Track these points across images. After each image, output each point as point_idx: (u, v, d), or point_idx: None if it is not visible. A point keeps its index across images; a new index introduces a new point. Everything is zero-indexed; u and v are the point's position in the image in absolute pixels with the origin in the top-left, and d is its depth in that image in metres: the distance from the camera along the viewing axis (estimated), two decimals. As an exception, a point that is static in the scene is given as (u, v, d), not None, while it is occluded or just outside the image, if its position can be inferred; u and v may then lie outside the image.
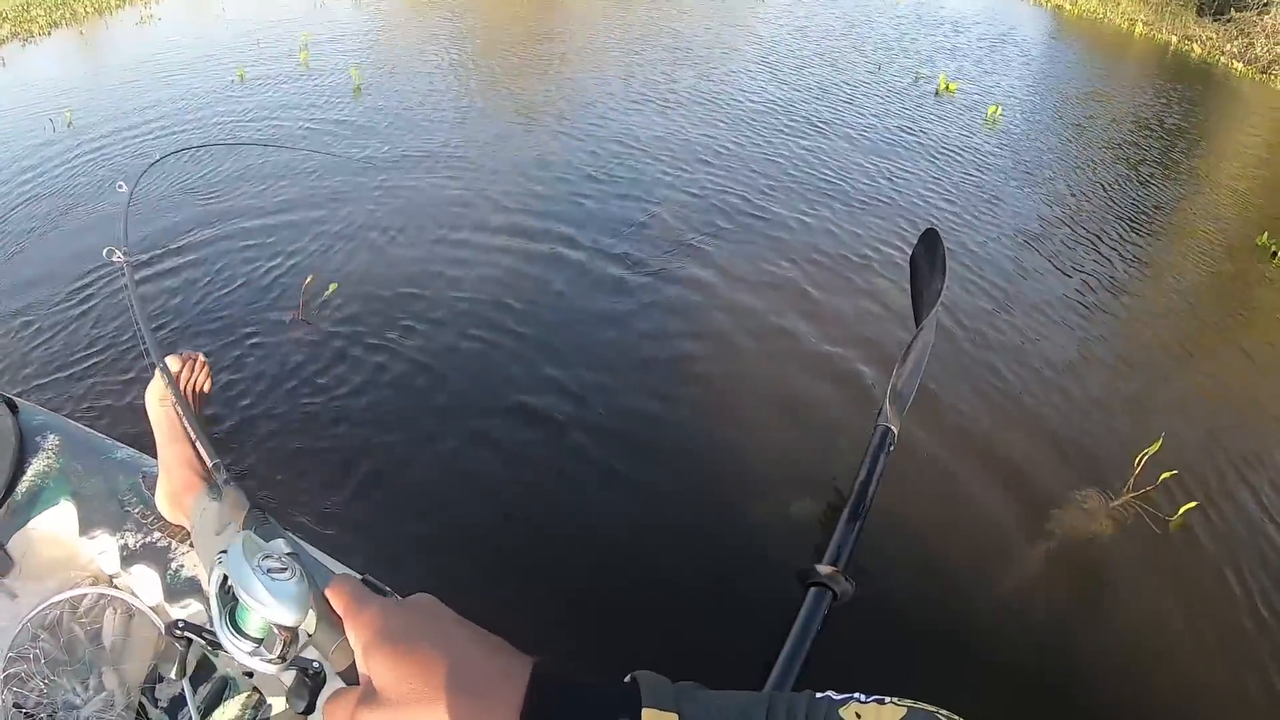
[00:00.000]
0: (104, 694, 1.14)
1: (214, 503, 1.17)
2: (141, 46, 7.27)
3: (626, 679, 0.40)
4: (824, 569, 1.94)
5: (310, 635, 0.47)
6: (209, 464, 0.95)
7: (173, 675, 0.62)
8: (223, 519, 1.02)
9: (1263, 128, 7.28)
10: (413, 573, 2.05)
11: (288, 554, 0.49)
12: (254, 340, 3.00)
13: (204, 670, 1.16)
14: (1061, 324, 3.54)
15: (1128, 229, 4.60)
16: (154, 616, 1.22)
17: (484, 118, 5.68)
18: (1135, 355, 3.45)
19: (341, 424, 2.62)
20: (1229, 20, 10.39)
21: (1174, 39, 10.24)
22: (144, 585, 1.25)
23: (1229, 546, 2.46)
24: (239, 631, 0.48)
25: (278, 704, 1.15)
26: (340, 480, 2.38)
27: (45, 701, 1.10)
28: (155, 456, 1.25)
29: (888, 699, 0.36)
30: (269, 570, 0.46)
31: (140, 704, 1.17)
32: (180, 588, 1.23)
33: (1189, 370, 3.41)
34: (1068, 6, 11.68)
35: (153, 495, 1.29)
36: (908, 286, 3.05)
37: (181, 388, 1.22)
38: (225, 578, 0.47)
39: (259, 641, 0.48)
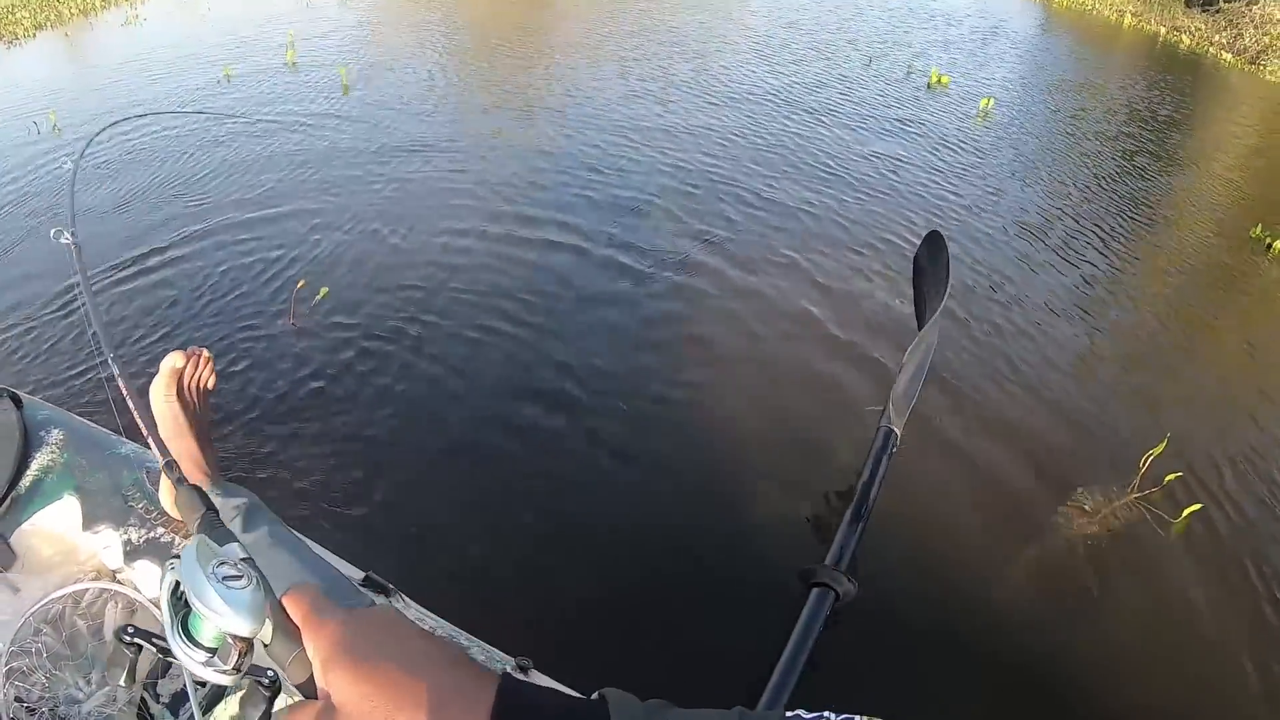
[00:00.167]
0: (106, 689, 1.13)
1: (219, 499, 1.16)
2: (127, 47, 7.20)
3: (594, 696, 0.39)
4: (826, 569, 1.94)
5: (266, 645, 0.44)
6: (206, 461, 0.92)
7: (121, 683, 0.57)
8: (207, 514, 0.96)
9: (1253, 118, 7.33)
10: (413, 571, 2.03)
11: (243, 559, 0.47)
12: (248, 335, 2.97)
13: None
14: (1062, 320, 3.54)
15: (1121, 222, 4.62)
16: (157, 611, 1.21)
17: (482, 113, 5.67)
18: (1136, 353, 3.45)
19: (340, 418, 2.61)
20: (1217, 11, 10.45)
21: (1163, 30, 10.31)
22: (147, 580, 1.24)
23: (1232, 550, 2.44)
24: (192, 641, 0.44)
25: (281, 700, 1.14)
26: (340, 480, 2.36)
27: (47, 696, 1.09)
28: (159, 452, 1.24)
29: (858, 717, 0.35)
30: (224, 578, 0.43)
31: (142, 699, 1.16)
32: None
33: (1192, 368, 3.41)
34: (1057, -1, 11.75)
35: (156, 490, 1.29)
36: (910, 290, 3.05)
37: (185, 383, 1.21)
38: (177, 584, 0.44)
39: (213, 651, 0.45)
